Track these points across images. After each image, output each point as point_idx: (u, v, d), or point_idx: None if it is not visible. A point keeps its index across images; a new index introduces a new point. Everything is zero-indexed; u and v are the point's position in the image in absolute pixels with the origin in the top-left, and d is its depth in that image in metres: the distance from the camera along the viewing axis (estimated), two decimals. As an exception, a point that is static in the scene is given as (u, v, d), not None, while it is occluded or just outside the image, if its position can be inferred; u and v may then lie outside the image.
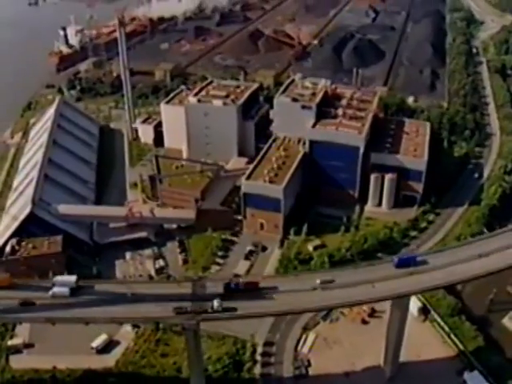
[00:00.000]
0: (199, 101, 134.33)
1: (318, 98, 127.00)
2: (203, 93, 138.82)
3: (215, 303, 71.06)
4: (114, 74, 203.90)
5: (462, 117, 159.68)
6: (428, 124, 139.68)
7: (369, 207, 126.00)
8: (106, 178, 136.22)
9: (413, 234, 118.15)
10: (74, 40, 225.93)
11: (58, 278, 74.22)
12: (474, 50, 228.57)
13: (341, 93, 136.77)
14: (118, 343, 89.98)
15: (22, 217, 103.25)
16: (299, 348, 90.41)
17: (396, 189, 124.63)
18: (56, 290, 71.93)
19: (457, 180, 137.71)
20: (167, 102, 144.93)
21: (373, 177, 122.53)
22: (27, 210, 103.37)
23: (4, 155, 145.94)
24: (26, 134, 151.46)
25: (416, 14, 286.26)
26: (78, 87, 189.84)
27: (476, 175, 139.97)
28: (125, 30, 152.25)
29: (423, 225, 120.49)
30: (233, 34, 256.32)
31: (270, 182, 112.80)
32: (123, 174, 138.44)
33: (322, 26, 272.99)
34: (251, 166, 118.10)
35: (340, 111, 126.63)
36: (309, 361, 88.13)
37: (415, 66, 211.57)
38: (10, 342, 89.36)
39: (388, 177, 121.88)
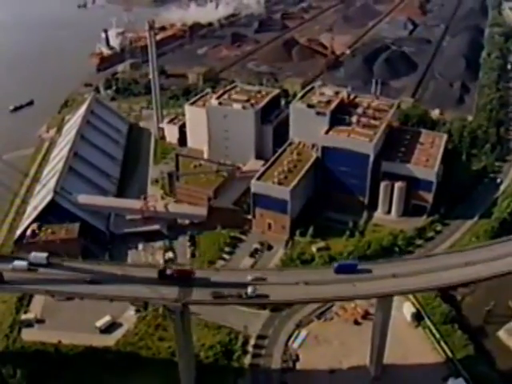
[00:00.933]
0: (220, 103, 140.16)
1: (332, 105, 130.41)
2: (225, 96, 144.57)
3: (249, 289, 75.02)
4: (150, 76, 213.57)
5: (484, 131, 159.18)
6: (445, 135, 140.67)
7: (378, 214, 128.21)
8: (129, 174, 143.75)
9: (418, 242, 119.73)
10: (114, 42, 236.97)
11: (32, 255, 79.77)
12: (509, 66, 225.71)
13: (358, 101, 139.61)
14: (120, 325, 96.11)
15: (43, 204, 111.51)
16: (290, 343, 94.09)
17: (406, 198, 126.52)
18: (16, 263, 78.20)
19: (471, 193, 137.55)
20: (191, 104, 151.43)
21: (383, 184, 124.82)
22: (49, 198, 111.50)
23: (38, 148, 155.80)
24: (59, 129, 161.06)
25: (455, 28, 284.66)
26: (114, 87, 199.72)
27: (492, 189, 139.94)
28: (155, 34, 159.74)
29: (430, 234, 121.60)
30: (268, 41, 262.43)
31: (279, 183, 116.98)
32: (146, 171, 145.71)
33: (358, 36, 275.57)
34: (263, 168, 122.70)
35: (354, 119, 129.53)
36: (297, 356, 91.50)
37: (446, 79, 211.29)
38: (23, 317, 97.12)
39: (397, 185, 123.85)
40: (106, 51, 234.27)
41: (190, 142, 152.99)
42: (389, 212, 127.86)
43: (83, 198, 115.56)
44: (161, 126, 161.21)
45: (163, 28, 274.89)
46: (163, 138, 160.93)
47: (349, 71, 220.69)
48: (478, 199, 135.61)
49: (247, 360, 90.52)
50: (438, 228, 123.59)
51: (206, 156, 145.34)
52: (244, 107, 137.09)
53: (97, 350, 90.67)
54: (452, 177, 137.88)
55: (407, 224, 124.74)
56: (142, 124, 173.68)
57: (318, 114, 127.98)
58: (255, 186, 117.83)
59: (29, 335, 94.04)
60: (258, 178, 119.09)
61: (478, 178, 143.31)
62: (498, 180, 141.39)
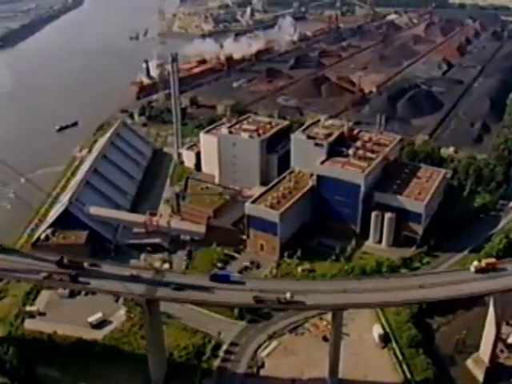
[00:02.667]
0: (230, 132, 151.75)
1: (331, 138, 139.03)
2: (237, 126, 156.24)
3: (287, 295, 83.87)
4: (182, 106, 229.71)
5: (491, 169, 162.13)
6: (443, 171, 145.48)
7: (369, 243, 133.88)
8: (145, 193, 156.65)
9: (403, 271, 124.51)
10: (154, 72, 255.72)
11: None
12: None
13: (359, 135, 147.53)
14: (110, 322, 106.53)
15: (58, 212, 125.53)
16: (259, 352, 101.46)
17: (397, 228, 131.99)
18: None
19: (467, 228, 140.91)
20: (206, 132, 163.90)
21: (373, 214, 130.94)
22: (63, 207, 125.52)
23: (69, 166, 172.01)
24: (90, 149, 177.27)
25: (490, 70, 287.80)
26: (147, 114, 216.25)
27: (489, 226, 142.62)
28: (177, 65, 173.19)
29: (416, 265, 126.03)
30: (301, 77, 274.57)
31: (271, 207, 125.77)
32: (161, 191, 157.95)
33: (391, 75, 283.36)
34: (259, 192, 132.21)
35: (351, 151, 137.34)
36: (263, 363, 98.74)
37: (469, 119, 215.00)
38: (28, 308, 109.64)
39: (387, 216, 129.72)
40: (145, 80, 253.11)
41: (204, 168, 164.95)
42: (380, 241, 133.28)
43: (94, 210, 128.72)
44: (180, 151, 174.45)
45: (204, 61, 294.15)
46: (182, 162, 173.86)
47: (373, 108, 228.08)
48: (472, 235, 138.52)
49: (216, 363, 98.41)
50: (426, 259, 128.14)
51: (216, 180, 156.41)
52: (251, 136, 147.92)
53: (86, 342, 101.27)
54: (450, 211, 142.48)
55: (396, 254, 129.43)
56: (166, 149, 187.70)
57: (317, 145, 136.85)
58: (249, 209, 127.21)
59: (30, 325, 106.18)
60: (253, 201, 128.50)
61: (476, 215, 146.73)
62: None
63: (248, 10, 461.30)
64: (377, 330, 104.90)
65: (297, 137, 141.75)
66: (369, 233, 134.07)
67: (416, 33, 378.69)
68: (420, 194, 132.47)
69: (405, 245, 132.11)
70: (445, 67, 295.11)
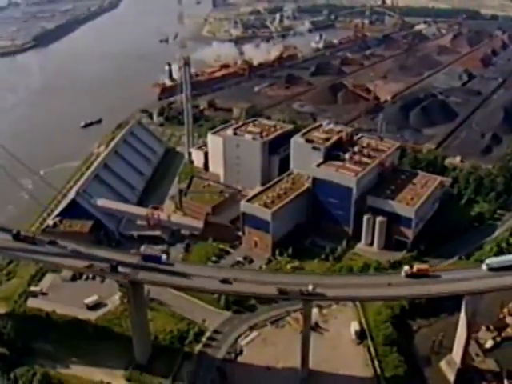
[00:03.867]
0: (235, 134, 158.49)
1: (329, 142, 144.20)
2: (242, 128, 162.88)
3: (310, 287, 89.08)
4: (201, 108, 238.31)
5: (492, 179, 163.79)
6: (439, 178, 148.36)
7: (361, 245, 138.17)
8: (153, 188, 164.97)
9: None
10: (176, 74, 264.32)
11: None
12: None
13: (359, 140, 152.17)
14: (105, 305, 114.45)
15: (66, 202, 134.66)
16: (239, 340, 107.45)
17: (388, 232, 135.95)
18: None
19: (461, 236, 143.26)
20: (214, 133, 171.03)
21: (365, 217, 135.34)
22: (71, 198, 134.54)
23: (85, 161, 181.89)
24: (107, 146, 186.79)
25: (511, 82, 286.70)
26: (165, 115, 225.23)
27: (483, 235, 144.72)
28: (189, 69, 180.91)
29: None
30: (319, 84, 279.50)
31: (265, 206, 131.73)
32: (168, 188, 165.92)
33: (409, 84, 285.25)
34: (256, 191, 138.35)
35: (347, 155, 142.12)
36: (242, 351, 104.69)
37: (481, 130, 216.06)
38: (32, 288, 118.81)
39: (378, 219, 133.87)
40: (167, 82, 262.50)
41: (210, 167, 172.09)
42: (371, 244, 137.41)
43: (100, 201, 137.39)
44: (190, 151, 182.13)
45: (226, 66, 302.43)
46: (192, 162, 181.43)
47: (386, 117, 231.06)
48: (465, 242, 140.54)
49: (198, 348, 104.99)
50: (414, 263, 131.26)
51: (221, 180, 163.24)
52: (254, 138, 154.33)
53: (80, 321, 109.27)
54: (445, 218, 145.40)
55: (387, 256, 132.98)
56: (178, 149, 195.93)
57: (314, 148, 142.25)
58: (244, 207, 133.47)
59: (32, 303, 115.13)
60: (249, 200, 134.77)
61: (471, 223, 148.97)
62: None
63: (277, 16, 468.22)
64: (354, 327, 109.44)
65: (296, 140, 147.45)
66: (361, 235, 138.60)
67: (441, 43, 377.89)
68: (412, 200, 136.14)
69: (396, 248, 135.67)
70: (465, 78, 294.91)
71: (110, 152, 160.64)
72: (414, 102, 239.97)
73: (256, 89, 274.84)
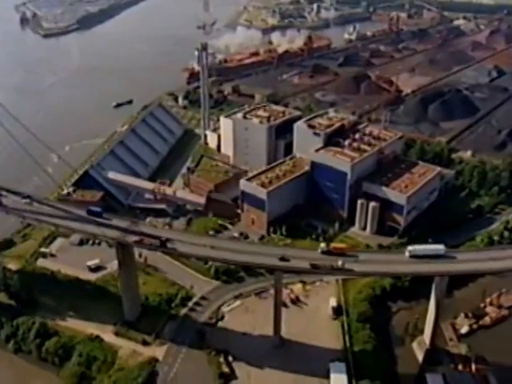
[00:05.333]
0: (245, 117, 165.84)
1: (330, 129, 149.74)
2: (253, 112, 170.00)
3: (339, 262, 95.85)
4: (225, 93, 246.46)
5: (497, 174, 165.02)
6: (438, 168, 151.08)
7: (355, 229, 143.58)
8: (167, 166, 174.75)
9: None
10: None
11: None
12: None
13: (360, 129, 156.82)
14: (105, 268, 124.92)
15: (80, 173, 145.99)
16: (222, 307, 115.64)
17: (381, 218, 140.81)
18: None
19: (457, 227, 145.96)
20: (226, 116, 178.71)
21: (359, 202, 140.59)
22: (84, 169, 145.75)
23: (109, 139, 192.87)
24: (130, 125, 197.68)
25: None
26: (190, 98, 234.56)
27: (480, 227, 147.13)
28: (207, 54, 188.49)
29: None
30: (345, 75, 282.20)
31: (262, 185, 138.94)
32: (181, 166, 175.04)
33: (436, 79, 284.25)
34: (257, 171, 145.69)
35: (347, 142, 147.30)
36: (223, 317, 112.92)
37: (499, 126, 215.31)
38: (42, 249, 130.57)
39: (371, 205, 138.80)
40: (196, 67, 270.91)
41: (222, 149, 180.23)
42: (364, 228, 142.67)
43: (112, 174, 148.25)
44: (206, 133, 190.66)
45: (256, 53, 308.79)
46: (207, 143, 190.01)
47: (405, 110, 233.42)
48: (459, 233, 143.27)
49: (183, 311, 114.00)
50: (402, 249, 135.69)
51: (231, 161, 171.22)
52: (261, 122, 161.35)
53: (81, 281, 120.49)
54: (442, 208, 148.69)
55: (378, 241, 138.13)
56: (197, 130, 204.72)
57: (315, 134, 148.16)
58: (243, 185, 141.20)
59: (41, 263, 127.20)
60: (249, 179, 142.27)
61: (471, 215, 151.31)
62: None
63: (315, 6, 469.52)
64: (331, 303, 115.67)
65: (299, 125, 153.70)
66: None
67: (477, 39, 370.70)
68: (406, 187, 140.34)
69: (388, 234, 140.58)
70: (494, 74, 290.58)
71: (128, 130, 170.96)
72: (434, 96, 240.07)
73: (284, 76, 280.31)
